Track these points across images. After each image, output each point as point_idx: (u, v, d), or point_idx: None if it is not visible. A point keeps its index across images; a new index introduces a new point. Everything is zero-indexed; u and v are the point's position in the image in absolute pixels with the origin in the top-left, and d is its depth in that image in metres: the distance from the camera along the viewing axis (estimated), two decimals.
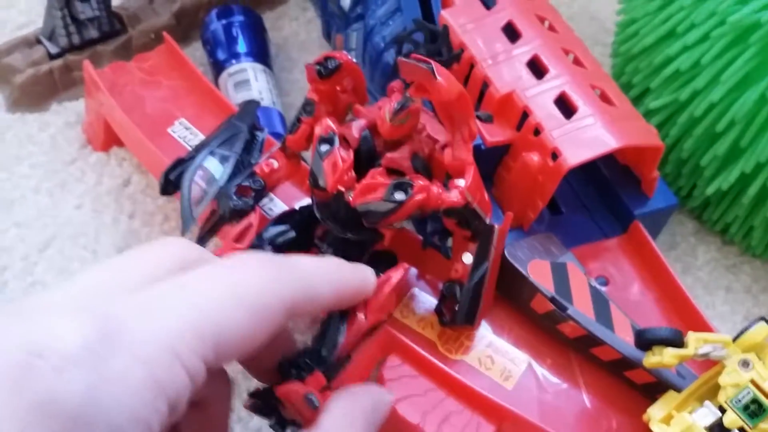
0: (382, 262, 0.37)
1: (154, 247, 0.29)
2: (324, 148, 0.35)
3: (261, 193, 0.40)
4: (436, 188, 0.34)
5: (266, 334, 0.28)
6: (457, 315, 0.37)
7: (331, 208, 0.36)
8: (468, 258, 0.37)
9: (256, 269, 0.28)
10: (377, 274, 0.35)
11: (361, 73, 0.39)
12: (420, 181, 0.34)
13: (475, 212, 0.36)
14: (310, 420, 0.30)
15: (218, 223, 0.40)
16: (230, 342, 0.26)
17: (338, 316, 0.33)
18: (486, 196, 0.37)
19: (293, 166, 0.41)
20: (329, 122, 0.37)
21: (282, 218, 0.39)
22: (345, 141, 0.36)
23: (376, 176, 0.35)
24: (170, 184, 0.41)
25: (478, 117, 0.38)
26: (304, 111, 0.39)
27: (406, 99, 0.35)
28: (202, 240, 0.40)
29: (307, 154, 0.40)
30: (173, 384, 0.24)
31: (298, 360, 0.32)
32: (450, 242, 0.39)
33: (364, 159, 0.36)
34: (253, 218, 0.39)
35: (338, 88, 0.38)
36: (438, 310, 0.38)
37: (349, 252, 0.37)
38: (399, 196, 0.34)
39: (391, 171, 0.36)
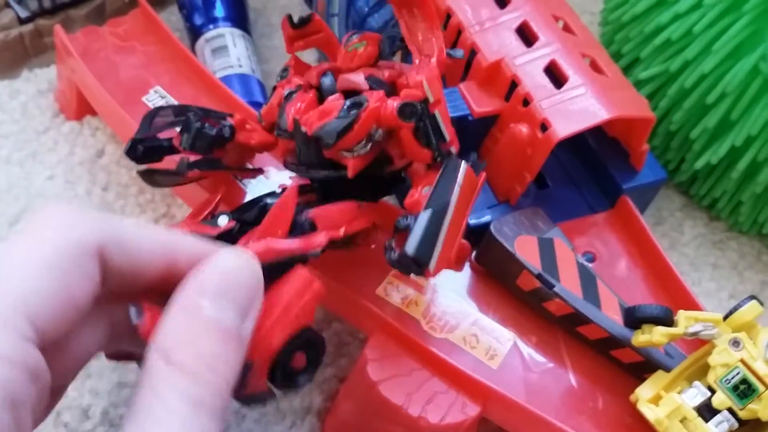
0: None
1: None
2: (289, 98, 0.35)
3: (231, 133, 0.38)
4: (392, 101, 0.32)
5: (84, 283, 0.26)
6: (407, 245, 0.30)
7: (297, 153, 0.35)
8: (427, 190, 0.33)
9: (46, 221, 0.26)
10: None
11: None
12: (374, 94, 0.33)
13: (436, 122, 0.33)
14: (143, 331, 0.27)
15: (178, 171, 0.37)
16: (45, 307, 0.25)
17: None
18: (452, 127, 0.34)
19: (269, 136, 0.39)
20: (296, 78, 0.36)
21: (259, 197, 0.37)
22: (309, 87, 0.36)
23: (331, 101, 0.33)
24: (137, 151, 0.38)
25: (449, 54, 0.35)
26: (279, 77, 0.38)
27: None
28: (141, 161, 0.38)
29: None
30: None
31: None
32: None
33: (326, 98, 0.35)
34: (216, 195, 0.38)
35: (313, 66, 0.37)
36: (387, 247, 0.32)
37: None
38: (354, 112, 0.32)
39: (349, 96, 0.34)
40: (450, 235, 0.32)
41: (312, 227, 0.33)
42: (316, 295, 0.30)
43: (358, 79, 0.34)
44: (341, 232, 0.33)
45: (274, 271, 0.30)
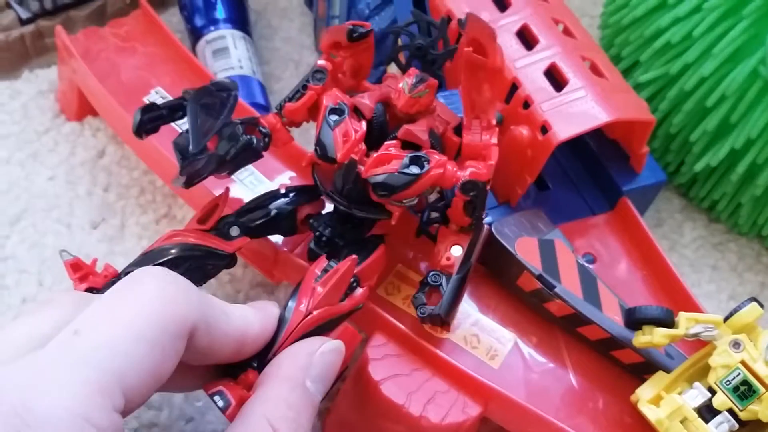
0: (364, 241, 0.36)
1: (43, 305, 0.29)
2: (334, 117, 0.34)
3: (267, 143, 0.37)
4: (451, 165, 0.33)
5: (172, 361, 0.27)
6: (442, 306, 0.35)
7: (337, 182, 0.35)
8: (457, 251, 0.36)
9: (153, 292, 0.27)
10: (347, 251, 0.34)
11: (371, 60, 0.38)
12: (437, 156, 0.33)
13: (485, 198, 0.35)
14: (229, 415, 0.29)
15: (206, 168, 0.35)
16: (138, 381, 0.26)
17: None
18: None
19: (287, 134, 0.38)
20: (338, 92, 0.35)
21: (263, 198, 0.38)
22: (355, 113, 0.35)
23: (390, 148, 0.33)
24: (145, 124, 0.36)
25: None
26: (313, 78, 0.37)
27: (424, 74, 0.35)
28: (189, 184, 0.36)
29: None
30: None
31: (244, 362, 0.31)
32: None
33: (375, 133, 0.35)
34: (221, 198, 0.38)
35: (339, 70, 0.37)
36: (418, 301, 0.36)
37: (346, 233, 0.36)
38: (414, 169, 0.32)
39: (406, 145, 0.34)
40: (464, 291, 0.36)
41: (357, 283, 0.34)
42: (357, 343, 0.34)
43: (423, 136, 0.35)
44: (374, 280, 0.36)
45: (327, 327, 0.33)
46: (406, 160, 0.33)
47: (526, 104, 0.41)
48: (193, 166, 0.34)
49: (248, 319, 0.31)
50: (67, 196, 0.48)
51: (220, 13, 0.54)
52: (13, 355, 0.26)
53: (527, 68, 0.42)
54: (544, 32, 0.44)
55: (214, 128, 0.34)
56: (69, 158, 0.50)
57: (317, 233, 0.37)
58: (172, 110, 0.36)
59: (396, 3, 0.47)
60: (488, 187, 0.35)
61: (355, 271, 0.34)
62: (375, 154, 0.33)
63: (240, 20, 0.55)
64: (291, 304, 0.32)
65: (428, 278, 0.36)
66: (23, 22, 0.54)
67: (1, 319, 0.43)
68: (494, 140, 0.35)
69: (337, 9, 0.52)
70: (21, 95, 0.53)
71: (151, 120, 0.36)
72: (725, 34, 0.44)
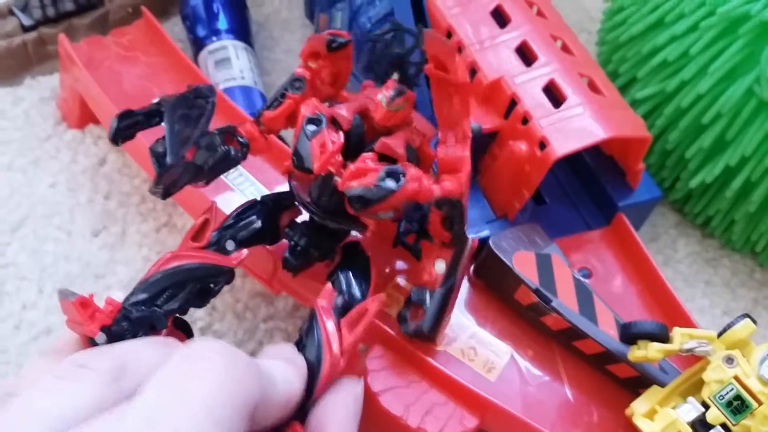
0: (352, 259, 0.36)
1: (74, 373, 0.26)
2: (311, 128, 0.34)
3: (245, 153, 0.37)
4: (427, 180, 0.34)
5: None
6: (425, 322, 0.35)
7: (313, 193, 0.35)
8: (441, 266, 0.36)
9: (220, 371, 0.25)
10: (344, 276, 0.35)
11: (349, 70, 0.38)
12: (412, 170, 0.33)
13: (463, 213, 0.35)
14: None
15: (183, 178, 0.35)
16: None
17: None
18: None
19: (265, 143, 0.38)
20: (317, 102, 0.35)
21: (244, 210, 0.38)
22: (333, 123, 0.35)
23: (367, 161, 0.33)
24: (122, 131, 0.36)
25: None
26: (291, 87, 0.37)
27: (402, 87, 0.34)
28: (165, 195, 0.35)
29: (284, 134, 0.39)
30: None
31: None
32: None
33: (353, 144, 0.35)
34: (210, 212, 0.37)
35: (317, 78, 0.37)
36: (402, 318, 0.36)
37: (321, 243, 0.37)
38: (390, 183, 0.32)
39: (383, 157, 0.34)
40: (451, 307, 0.36)
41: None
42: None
43: (399, 149, 0.35)
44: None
45: None
46: (382, 174, 0.32)
47: (525, 120, 0.42)
48: (171, 175, 0.34)
49: (290, 379, 0.30)
50: (68, 203, 0.48)
51: (222, 23, 0.55)
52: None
53: (526, 84, 0.43)
54: (543, 49, 0.45)
55: (191, 138, 0.34)
56: (70, 165, 0.50)
57: (292, 243, 0.37)
58: (148, 116, 0.36)
59: (397, 17, 0.48)
60: (465, 201, 0.34)
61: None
62: (352, 166, 0.33)
63: (242, 31, 0.56)
64: (315, 349, 0.32)
65: (411, 295, 0.36)
66: (25, 29, 0.54)
67: (2, 326, 0.43)
68: (466, 152, 0.34)
69: (339, 22, 0.52)
70: (23, 102, 0.53)
71: (127, 127, 0.36)
72: (721, 52, 0.45)
